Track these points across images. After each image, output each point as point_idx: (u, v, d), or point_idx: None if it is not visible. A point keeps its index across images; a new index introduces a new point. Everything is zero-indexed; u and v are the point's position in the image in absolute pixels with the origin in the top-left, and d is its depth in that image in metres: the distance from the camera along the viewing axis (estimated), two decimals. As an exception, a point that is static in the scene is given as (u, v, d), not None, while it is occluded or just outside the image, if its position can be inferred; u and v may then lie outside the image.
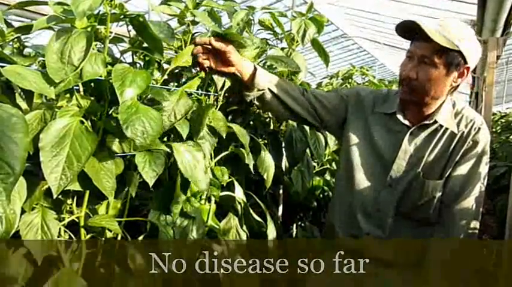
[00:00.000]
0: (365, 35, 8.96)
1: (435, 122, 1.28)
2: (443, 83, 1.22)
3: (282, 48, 1.66)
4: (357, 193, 1.35)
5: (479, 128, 1.27)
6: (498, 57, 4.95)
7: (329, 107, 1.41)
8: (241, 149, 1.35)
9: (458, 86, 1.26)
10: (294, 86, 1.39)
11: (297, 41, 1.59)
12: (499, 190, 3.64)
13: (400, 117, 1.31)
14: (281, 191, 1.81)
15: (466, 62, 1.20)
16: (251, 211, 1.51)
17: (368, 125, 1.37)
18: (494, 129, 6.90)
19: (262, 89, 1.30)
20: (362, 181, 1.35)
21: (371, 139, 1.35)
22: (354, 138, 1.38)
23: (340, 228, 1.41)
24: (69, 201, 0.98)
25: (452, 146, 1.27)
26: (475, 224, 1.26)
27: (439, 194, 1.28)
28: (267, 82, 1.30)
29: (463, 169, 1.26)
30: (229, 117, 1.45)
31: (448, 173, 1.27)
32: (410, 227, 1.31)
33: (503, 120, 7.97)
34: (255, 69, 1.27)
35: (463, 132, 1.26)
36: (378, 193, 1.32)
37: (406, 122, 1.31)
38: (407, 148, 1.29)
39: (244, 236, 1.33)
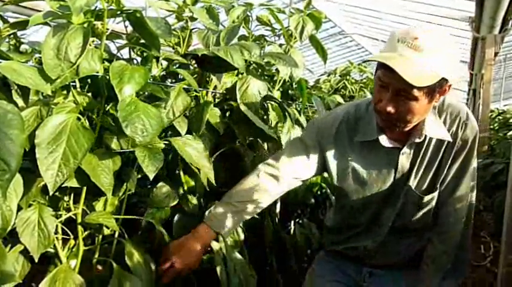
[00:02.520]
0: (363, 32, 8.95)
1: (425, 137, 1.18)
2: (425, 109, 1.10)
3: (280, 45, 1.66)
4: (357, 216, 1.31)
5: (465, 124, 1.18)
6: (496, 54, 4.95)
7: (305, 167, 1.27)
8: (239, 145, 1.35)
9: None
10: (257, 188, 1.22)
11: (295, 38, 1.59)
12: (497, 186, 3.64)
13: (384, 143, 1.18)
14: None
15: (447, 81, 1.06)
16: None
17: (353, 156, 1.24)
18: (492, 127, 6.91)
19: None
20: (361, 207, 1.29)
21: (359, 169, 1.24)
22: (342, 174, 1.26)
23: (337, 244, 1.41)
24: (66, 198, 0.98)
25: (442, 151, 1.20)
26: (470, 219, 1.26)
27: (434, 204, 1.25)
28: (233, 224, 1.19)
29: (455, 169, 1.22)
30: (227, 114, 1.44)
31: (441, 179, 1.23)
32: (404, 236, 1.30)
33: (500, 118, 7.97)
34: (215, 232, 1.16)
35: (451, 132, 1.18)
36: (378, 214, 1.29)
37: (394, 145, 1.19)
38: (404, 165, 1.21)
39: (241, 232, 1.33)
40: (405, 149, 1.19)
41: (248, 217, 1.22)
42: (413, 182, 1.23)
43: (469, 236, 1.28)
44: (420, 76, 0.98)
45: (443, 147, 1.19)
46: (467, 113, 1.19)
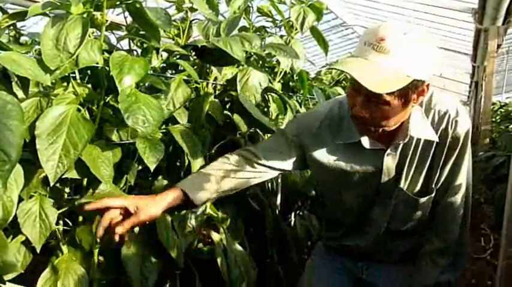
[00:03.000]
0: (365, 24, 8.89)
1: (411, 137, 1.12)
2: (402, 113, 1.04)
3: (281, 36, 1.65)
4: (345, 216, 1.29)
5: (455, 121, 1.11)
6: (499, 46, 4.92)
7: (282, 159, 1.22)
8: (239, 137, 1.35)
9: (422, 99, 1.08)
10: (236, 162, 1.17)
11: (296, 29, 1.58)
12: (498, 179, 3.64)
13: (366, 145, 1.13)
14: (279, 181, 1.81)
15: (424, 81, 1.00)
16: (249, 199, 1.52)
17: (336, 157, 1.19)
18: (493, 119, 6.89)
19: (207, 201, 1.14)
20: (345, 207, 1.26)
21: (343, 170, 1.19)
22: (324, 174, 1.22)
23: (332, 239, 1.40)
24: (67, 189, 0.98)
25: (432, 151, 1.15)
26: (468, 214, 1.24)
27: (431, 205, 1.22)
28: (207, 195, 1.11)
29: (448, 168, 1.17)
30: (227, 106, 1.44)
31: (435, 180, 1.19)
32: (400, 237, 1.27)
33: (502, 110, 7.95)
34: (183, 192, 1.06)
35: (441, 131, 1.12)
36: (367, 215, 1.26)
37: (377, 146, 1.14)
38: (390, 167, 1.16)
39: (241, 224, 1.33)
40: (390, 151, 1.14)
41: (218, 190, 1.13)
42: (404, 184, 1.18)
43: (466, 232, 1.26)
44: (385, 81, 0.93)
45: (433, 146, 1.14)
46: (457, 109, 1.12)
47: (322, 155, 1.20)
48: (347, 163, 1.18)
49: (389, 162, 1.16)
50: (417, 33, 0.97)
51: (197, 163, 1.14)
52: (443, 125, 1.12)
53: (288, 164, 1.23)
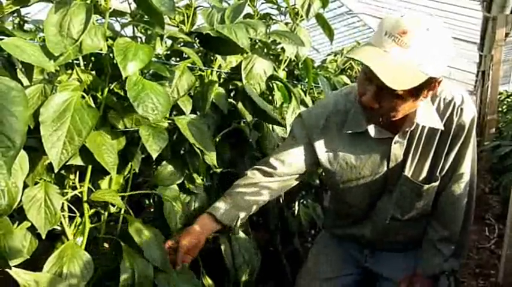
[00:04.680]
0: (370, 12, 8.78)
1: (417, 125, 1.12)
2: (412, 106, 1.05)
3: (286, 24, 1.63)
4: (353, 206, 1.29)
5: (461, 109, 1.11)
6: (507, 34, 4.84)
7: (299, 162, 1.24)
8: (244, 125, 1.34)
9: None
10: (255, 180, 1.22)
11: (301, 16, 1.56)
12: (504, 169, 3.63)
13: (373, 134, 1.13)
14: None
15: (436, 78, 0.99)
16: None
17: (343, 147, 1.20)
18: (500, 109, 6.84)
19: (236, 221, 1.19)
20: (354, 197, 1.26)
21: (351, 160, 1.20)
22: (333, 165, 1.22)
23: (337, 228, 1.42)
24: (71, 176, 0.98)
25: (437, 138, 1.14)
26: (471, 204, 1.23)
27: (435, 193, 1.22)
28: (234, 217, 1.17)
29: (453, 155, 1.17)
30: (232, 94, 1.43)
31: (440, 167, 1.18)
32: (405, 226, 1.27)
33: (509, 100, 7.89)
34: (213, 216, 1.15)
35: (446, 118, 1.12)
36: (374, 204, 1.26)
37: (384, 135, 1.14)
38: (397, 155, 1.16)
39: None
40: (397, 138, 1.14)
41: (246, 212, 1.21)
42: (409, 171, 1.18)
43: (470, 220, 1.25)
44: (403, 76, 0.92)
45: (438, 134, 1.13)
46: (463, 97, 1.12)
47: (329, 149, 1.21)
48: (354, 152, 1.19)
49: (397, 150, 1.16)
50: (439, 29, 0.96)
51: (211, 153, 1.14)
52: (449, 113, 1.12)
53: (303, 165, 1.24)
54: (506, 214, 1.67)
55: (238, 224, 1.20)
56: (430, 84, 0.99)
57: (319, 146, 1.22)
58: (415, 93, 0.99)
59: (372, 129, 1.13)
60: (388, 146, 1.15)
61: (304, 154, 1.23)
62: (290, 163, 1.22)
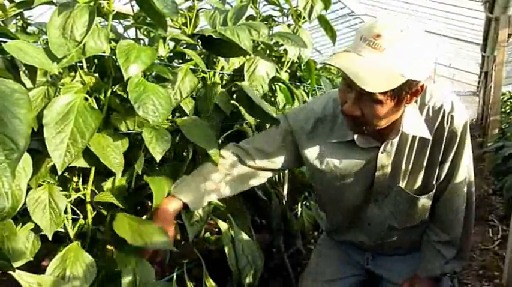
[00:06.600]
0: (373, 14, 8.79)
1: (406, 134, 1.09)
2: (395, 113, 1.01)
3: (289, 25, 1.63)
4: (337, 214, 1.29)
5: (451, 116, 1.08)
6: (509, 35, 4.83)
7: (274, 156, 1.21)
8: (246, 127, 1.34)
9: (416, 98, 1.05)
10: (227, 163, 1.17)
11: (304, 18, 1.56)
12: (507, 170, 3.61)
13: (361, 143, 1.12)
14: (286, 171, 1.81)
15: (418, 82, 0.96)
16: (256, 190, 1.52)
17: (330, 154, 1.18)
18: (503, 110, 6.82)
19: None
20: (340, 205, 1.25)
21: (337, 168, 1.17)
22: (318, 171, 1.20)
23: (335, 233, 1.41)
24: (75, 178, 0.98)
25: (429, 147, 1.12)
26: (471, 207, 1.22)
27: (431, 202, 1.20)
28: (203, 200, 1.13)
29: (448, 164, 1.14)
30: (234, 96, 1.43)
31: (435, 177, 1.16)
32: (403, 233, 1.26)
33: (512, 101, 7.87)
34: (181, 202, 1.08)
35: (436, 126, 1.09)
36: (360, 213, 1.25)
37: (371, 144, 1.12)
38: (384, 164, 1.14)
39: (248, 214, 1.33)
40: (384, 148, 1.11)
41: (211, 194, 1.14)
42: (402, 182, 1.16)
43: (471, 224, 1.24)
44: (378, 79, 0.89)
45: (430, 143, 1.11)
46: (453, 104, 1.08)
47: (315, 155, 1.19)
48: (341, 162, 1.16)
49: (384, 159, 1.13)
50: (415, 31, 0.93)
51: (215, 153, 1.13)
52: (439, 121, 1.09)
53: (279, 164, 1.22)
54: (509, 215, 1.67)
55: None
56: (411, 88, 0.96)
57: (305, 150, 1.20)
58: (395, 97, 0.96)
59: (359, 139, 1.12)
60: (374, 155, 1.13)
61: (286, 153, 1.22)
62: (266, 159, 1.20)
